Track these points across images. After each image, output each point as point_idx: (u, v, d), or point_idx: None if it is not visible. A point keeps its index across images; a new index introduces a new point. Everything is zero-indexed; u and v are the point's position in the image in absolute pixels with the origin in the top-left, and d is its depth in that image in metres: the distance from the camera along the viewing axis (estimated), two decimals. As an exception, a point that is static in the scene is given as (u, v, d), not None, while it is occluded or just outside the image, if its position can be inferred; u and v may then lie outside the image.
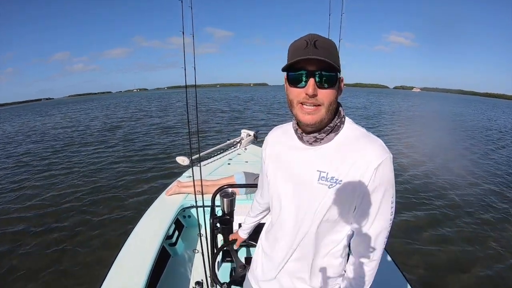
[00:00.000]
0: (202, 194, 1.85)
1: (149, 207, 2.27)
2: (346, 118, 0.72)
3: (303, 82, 0.63)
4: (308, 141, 0.71)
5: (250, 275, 0.96)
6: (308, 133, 0.70)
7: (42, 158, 7.72)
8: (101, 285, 1.40)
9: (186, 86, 1.57)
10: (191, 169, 2.69)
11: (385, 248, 0.73)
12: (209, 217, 1.57)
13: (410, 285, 1.46)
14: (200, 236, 1.68)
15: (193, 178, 1.82)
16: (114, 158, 7.19)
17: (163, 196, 2.48)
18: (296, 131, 0.74)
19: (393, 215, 0.69)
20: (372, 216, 0.68)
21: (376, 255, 0.72)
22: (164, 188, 2.65)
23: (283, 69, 0.65)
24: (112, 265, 1.55)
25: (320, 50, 0.60)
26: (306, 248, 0.75)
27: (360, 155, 0.65)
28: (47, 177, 5.89)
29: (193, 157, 2.36)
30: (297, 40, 0.63)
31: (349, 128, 0.71)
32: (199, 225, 1.75)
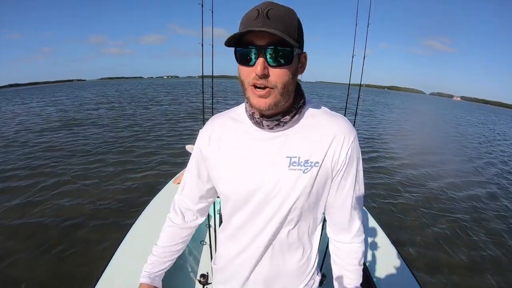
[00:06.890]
0: None
1: (155, 195, 2.25)
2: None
3: (252, 60, 0.54)
4: (268, 126, 0.62)
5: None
6: (269, 116, 0.61)
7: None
8: (102, 273, 1.37)
9: (203, 76, 1.62)
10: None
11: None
12: (218, 208, 1.50)
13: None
14: (209, 227, 1.61)
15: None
16: (123, 142, 7.19)
17: (170, 184, 2.45)
18: (252, 115, 0.63)
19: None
20: (351, 188, 0.66)
21: (361, 227, 0.71)
22: (172, 176, 2.63)
23: (228, 43, 0.54)
24: (114, 253, 1.51)
25: (272, 20, 0.51)
26: (280, 244, 0.67)
27: (332, 132, 0.62)
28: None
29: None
30: (251, 9, 0.54)
31: (311, 107, 0.66)
32: (208, 215, 1.69)
